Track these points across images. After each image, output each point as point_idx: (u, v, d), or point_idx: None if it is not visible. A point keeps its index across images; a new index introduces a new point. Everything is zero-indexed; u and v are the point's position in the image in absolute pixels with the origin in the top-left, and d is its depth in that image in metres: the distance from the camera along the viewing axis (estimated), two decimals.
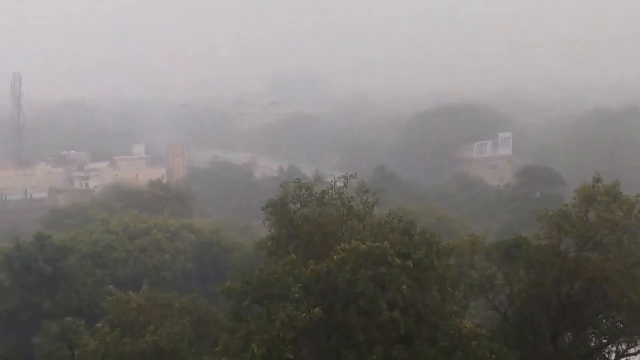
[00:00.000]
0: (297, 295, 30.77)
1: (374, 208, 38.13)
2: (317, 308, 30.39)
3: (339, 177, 38.69)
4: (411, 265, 32.27)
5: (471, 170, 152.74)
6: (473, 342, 31.68)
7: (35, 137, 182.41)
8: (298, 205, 37.49)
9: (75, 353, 42.34)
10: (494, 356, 31.69)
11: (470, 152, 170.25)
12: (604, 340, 38.70)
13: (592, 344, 38.87)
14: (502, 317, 39.55)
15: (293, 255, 34.12)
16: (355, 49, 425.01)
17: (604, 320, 38.36)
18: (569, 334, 39.15)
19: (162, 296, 41.21)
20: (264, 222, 38.08)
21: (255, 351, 29.79)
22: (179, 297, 41.71)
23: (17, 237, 62.75)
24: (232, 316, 32.29)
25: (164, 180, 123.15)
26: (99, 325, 40.56)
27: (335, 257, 32.13)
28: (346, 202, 37.25)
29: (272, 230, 37.23)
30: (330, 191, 37.84)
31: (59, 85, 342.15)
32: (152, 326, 37.49)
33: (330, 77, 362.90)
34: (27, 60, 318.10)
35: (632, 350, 39.27)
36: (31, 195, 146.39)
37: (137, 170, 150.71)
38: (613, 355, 39.26)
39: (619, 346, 39.00)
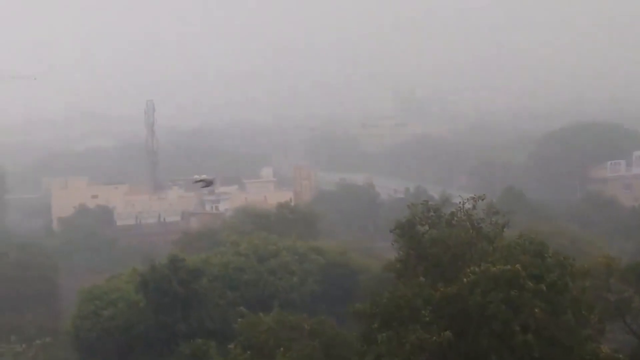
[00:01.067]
0: (427, 318, 30.43)
1: (504, 230, 37.40)
2: (447, 331, 29.97)
3: (468, 199, 38.13)
4: (544, 288, 31.42)
5: (604, 189, 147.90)
6: None
7: (169, 162, 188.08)
8: (426, 227, 37.18)
9: None
10: None
11: (603, 171, 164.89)
12: None
13: None
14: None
15: (422, 277, 33.80)
16: (484, 67, 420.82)
17: None
18: None
19: (291, 318, 41.50)
20: (392, 244, 37.92)
21: None
22: (308, 319, 41.91)
23: (152, 259, 64.47)
24: (361, 338, 32.20)
25: (292, 203, 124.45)
26: (231, 346, 41.18)
27: (465, 279, 31.66)
28: (475, 224, 36.68)
29: (400, 252, 37.01)
30: (458, 213, 37.36)
31: (192, 111, 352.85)
32: (282, 349, 37.78)
33: (459, 96, 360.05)
34: (161, 88, 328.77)
35: None
36: (164, 219, 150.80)
37: (266, 193, 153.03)
38: None
39: None
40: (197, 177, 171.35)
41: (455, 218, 37.14)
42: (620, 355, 31.30)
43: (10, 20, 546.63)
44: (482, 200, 37.97)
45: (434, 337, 29.34)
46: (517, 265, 31.60)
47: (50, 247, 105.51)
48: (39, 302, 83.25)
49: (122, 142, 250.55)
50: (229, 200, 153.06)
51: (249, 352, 39.35)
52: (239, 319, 44.62)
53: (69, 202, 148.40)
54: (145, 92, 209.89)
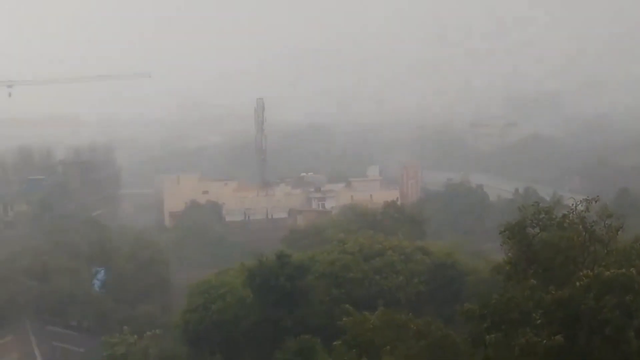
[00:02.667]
0: (538, 321, 29.79)
1: (618, 233, 36.32)
2: (558, 335, 29.27)
3: (580, 201, 37.18)
4: None
5: None
6: None
7: (277, 159, 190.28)
8: (537, 229, 36.42)
9: None
10: None
11: None
12: None
13: None
14: None
15: (532, 280, 33.12)
16: (592, 66, 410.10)
17: None
18: None
19: (397, 317, 41.26)
20: (500, 245, 37.32)
21: None
22: (414, 319, 41.60)
23: (260, 255, 65.32)
24: (469, 340, 31.80)
25: (398, 202, 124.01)
26: (336, 344, 41.30)
27: (577, 283, 30.85)
28: (588, 227, 35.72)
29: (510, 254, 36.38)
30: (571, 215, 36.45)
31: (300, 109, 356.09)
32: (388, 347, 37.65)
33: (569, 97, 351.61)
34: (270, 86, 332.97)
35: None
36: (272, 216, 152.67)
37: (372, 192, 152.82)
38: None
39: None
40: (304, 174, 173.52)
41: (567, 220, 36.28)
42: None
43: (125, 21, 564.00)
44: (596, 202, 36.97)
45: (544, 341, 28.73)
46: (632, 270, 30.66)
47: (162, 241, 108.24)
48: (150, 295, 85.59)
49: (232, 140, 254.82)
50: (335, 198, 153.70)
51: (354, 350, 39.41)
52: (344, 317, 44.69)
53: (181, 198, 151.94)
54: (256, 90, 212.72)
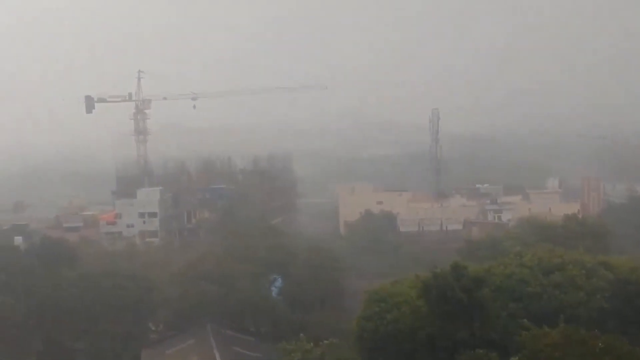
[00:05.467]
0: None
1: None
2: None
3: None
4: None
5: None
6: None
7: (452, 170, 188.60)
8: None
9: None
10: None
11: None
12: None
13: None
14: None
15: None
16: None
17: None
18: None
19: (580, 334, 39.71)
20: None
21: None
22: (599, 336, 39.87)
23: (435, 266, 64.58)
24: None
25: (579, 215, 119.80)
26: (513, 359, 40.22)
27: None
28: None
29: None
30: None
31: (474, 119, 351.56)
32: None
33: None
34: (448, 96, 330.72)
35: None
36: (446, 227, 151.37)
37: (550, 204, 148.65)
38: None
39: None
40: (479, 185, 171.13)
41: None
42: None
43: (303, 33, 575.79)
44: None
45: None
46: None
47: (338, 249, 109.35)
48: (325, 302, 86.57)
49: (406, 150, 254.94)
50: (512, 210, 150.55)
51: None
52: (523, 332, 43.42)
53: (356, 208, 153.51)
54: (431, 101, 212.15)
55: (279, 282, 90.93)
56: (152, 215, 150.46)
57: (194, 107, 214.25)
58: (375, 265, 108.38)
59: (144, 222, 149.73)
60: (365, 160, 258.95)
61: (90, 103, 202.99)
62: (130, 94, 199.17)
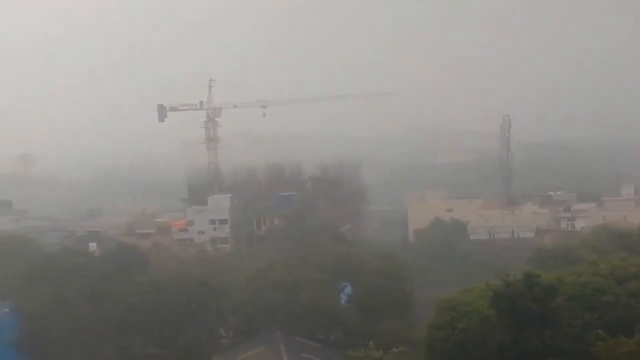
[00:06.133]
0: None
1: None
2: None
3: None
4: None
5: None
6: None
7: (523, 177, 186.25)
8: None
9: None
10: None
11: None
12: None
13: None
14: None
15: None
16: None
17: None
18: None
19: None
20: None
21: None
22: None
23: (506, 274, 63.71)
24: None
25: None
26: None
27: None
28: None
29: None
30: None
31: (546, 126, 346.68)
32: None
33: None
34: (518, 103, 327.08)
35: None
36: (518, 235, 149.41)
37: (626, 212, 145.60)
38: None
39: None
40: (551, 193, 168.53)
41: None
42: None
43: (367, 41, 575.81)
44: None
45: None
46: None
47: (406, 257, 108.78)
48: (394, 311, 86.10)
49: (476, 157, 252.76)
50: (586, 218, 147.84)
51: None
52: (598, 342, 42.48)
53: (425, 215, 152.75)
54: (502, 108, 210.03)
55: (348, 290, 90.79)
56: (223, 222, 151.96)
57: (264, 114, 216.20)
58: (445, 273, 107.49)
59: (215, 229, 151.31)
60: (435, 167, 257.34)
61: (162, 111, 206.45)
62: (201, 102, 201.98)
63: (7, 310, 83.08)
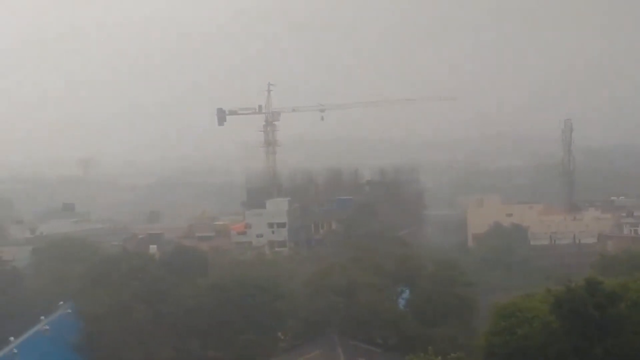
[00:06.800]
0: None
1: None
2: None
3: None
4: None
5: None
6: None
7: (585, 182, 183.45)
8: None
9: None
10: None
11: None
12: None
13: None
14: None
15: None
16: None
17: None
18: None
19: None
20: None
21: None
22: None
23: (567, 280, 62.68)
24: None
25: None
26: None
27: None
28: None
29: None
30: None
31: (609, 130, 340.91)
32: None
33: None
34: (578, 106, 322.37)
35: None
36: (579, 240, 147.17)
37: None
38: None
39: None
40: (614, 198, 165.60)
41: None
42: None
43: (431, 45, 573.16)
44: None
45: None
46: None
47: (465, 262, 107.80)
48: (452, 316, 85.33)
49: (537, 162, 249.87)
50: None
51: None
52: None
53: (484, 220, 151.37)
54: (562, 112, 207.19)
55: (406, 294, 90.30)
56: (281, 225, 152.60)
57: (322, 118, 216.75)
58: (505, 279, 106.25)
59: (273, 232, 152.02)
60: (494, 172, 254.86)
61: (222, 115, 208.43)
62: (260, 107, 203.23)
63: (69, 311, 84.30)
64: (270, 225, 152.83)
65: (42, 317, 79.33)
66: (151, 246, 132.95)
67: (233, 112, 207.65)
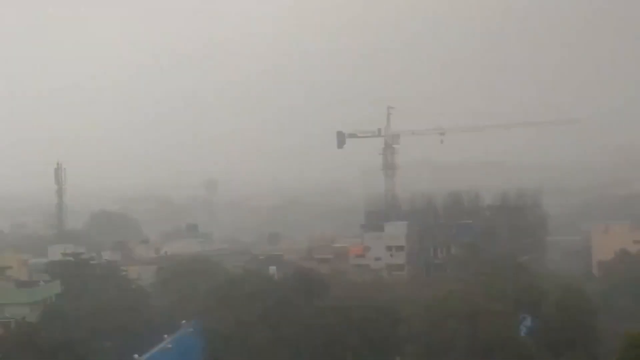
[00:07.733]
0: None
1: None
2: None
3: None
4: None
5: None
6: None
7: None
8: None
9: None
10: None
11: None
12: None
13: None
14: None
15: None
16: None
17: None
18: None
19: None
20: None
21: None
22: None
23: None
24: None
25: None
26: None
27: None
28: None
29: None
30: None
31: None
32: None
33: None
34: None
35: None
36: None
37: None
38: None
39: None
40: None
41: None
42: None
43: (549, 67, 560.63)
44: None
45: None
46: None
47: (590, 290, 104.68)
48: (578, 345, 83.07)
49: None
50: None
51: None
52: None
53: (611, 247, 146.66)
54: None
55: (528, 322, 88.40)
56: (399, 249, 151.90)
57: (442, 141, 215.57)
58: (633, 307, 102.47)
59: (391, 256, 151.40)
60: (622, 197, 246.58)
61: (341, 138, 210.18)
62: (379, 130, 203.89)
63: (192, 329, 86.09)
64: (389, 248, 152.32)
65: (165, 336, 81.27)
66: (271, 267, 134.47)
67: (352, 135, 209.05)
